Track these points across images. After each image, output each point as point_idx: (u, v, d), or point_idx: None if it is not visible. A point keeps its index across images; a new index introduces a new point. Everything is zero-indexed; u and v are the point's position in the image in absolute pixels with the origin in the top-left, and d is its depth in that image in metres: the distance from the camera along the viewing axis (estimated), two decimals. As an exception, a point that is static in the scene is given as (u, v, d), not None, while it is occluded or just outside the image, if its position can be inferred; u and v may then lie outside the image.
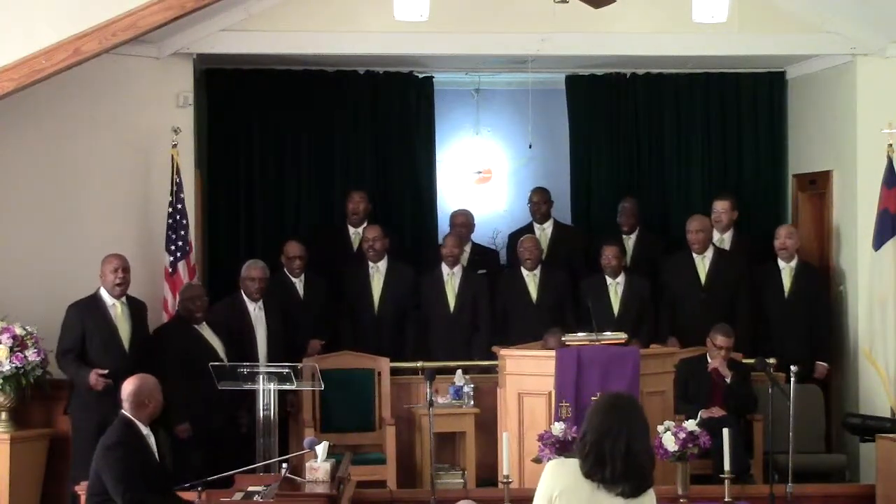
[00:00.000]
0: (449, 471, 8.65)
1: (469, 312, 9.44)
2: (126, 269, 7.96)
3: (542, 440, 7.02)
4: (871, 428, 8.30)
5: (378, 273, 9.43)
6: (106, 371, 7.71)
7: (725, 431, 7.17)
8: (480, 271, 9.74)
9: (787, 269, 9.48)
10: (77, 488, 7.09)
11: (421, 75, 10.49)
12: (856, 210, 9.48)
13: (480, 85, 11.17)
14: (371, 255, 9.40)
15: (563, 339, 7.81)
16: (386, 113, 10.41)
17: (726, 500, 7.10)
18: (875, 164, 9.08)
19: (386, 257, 9.46)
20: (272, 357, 8.50)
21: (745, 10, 9.07)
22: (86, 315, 7.90)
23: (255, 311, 8.77)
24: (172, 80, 9.13)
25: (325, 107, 10.24)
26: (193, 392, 7.91)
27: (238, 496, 6.44)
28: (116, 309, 7.97)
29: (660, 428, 7.17)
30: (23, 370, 7.87)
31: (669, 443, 7.09)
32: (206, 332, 8.33)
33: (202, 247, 9.63)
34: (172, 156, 8.80)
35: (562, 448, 6.86)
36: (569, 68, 10.48)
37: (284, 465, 6.77)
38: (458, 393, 8.85)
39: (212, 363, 7.91)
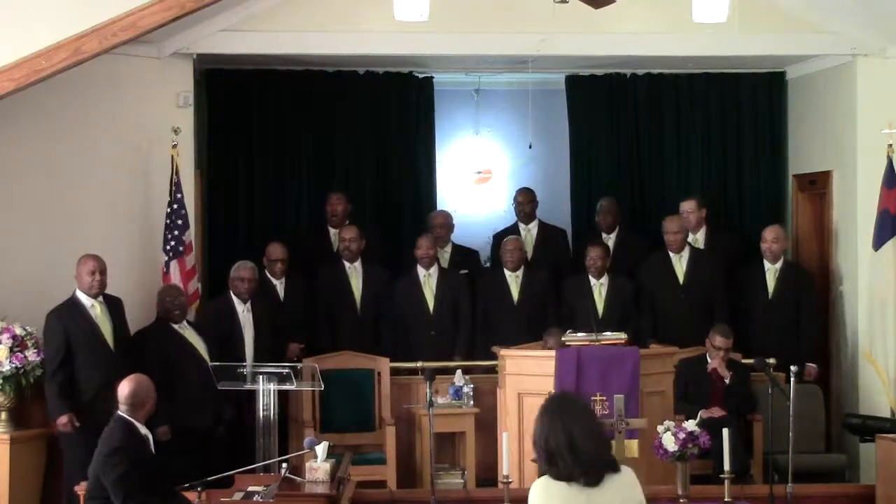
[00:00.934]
0: (449, 471, 8.65)
1: (449, 313, 9.42)
2: (103, 272, 7.90)
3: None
4: (871, 428, 8.30)
5: (356, 273, 9.42)
6: (78, 424, 7.62)
7: (725, 431, 7.16)
8: (462, 271, 9.73)
9: (771, 271, 9.47)
10: (77, 488, 7.08)
11: (421, 75, 10.49)
12: (856, 210, 9.47)
13: (480, 85, 11.16)
14: (346, 255, 9.38)
15: (563, 339, 7.81)
16: (386, 113, 10.42)
17: (726, 500, 7.09)
18: (875, 164, 9.08)
19: (360, 258, 9.43)
20: (259, 358, 8.47)
21: (745, 10, 9.06)
22: (67, 319, 7.84)
23: (244, 312, 8.77)
24: (172, 80, 9.14)
25: (325, 107, 10.24)
26: (175, 393, 7.85)
27: (238, 496, 6.44)
28: (96, 309, 7.92)
29: (660, 428, 7.16)
30: (23, 370, 7.86)
31: (669, 443, 7.08)
32: (187, 332, 8.30)
33: (202, 247, 9.63)
34: (172, 156, 8.80)
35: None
36: (569, 68, 10.49)
37: (284, 465, 6.77)
38: (458, 393, 8.85)
39: (211, 363, 7.90)
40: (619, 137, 10.60)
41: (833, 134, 9.80)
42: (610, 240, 9.94)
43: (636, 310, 9.42)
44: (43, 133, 8.57)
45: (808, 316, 9.48)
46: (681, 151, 10.58)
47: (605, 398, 7.26)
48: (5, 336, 7.85)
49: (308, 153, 10.29)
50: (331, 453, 6.69)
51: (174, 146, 8.81)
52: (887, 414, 8.83)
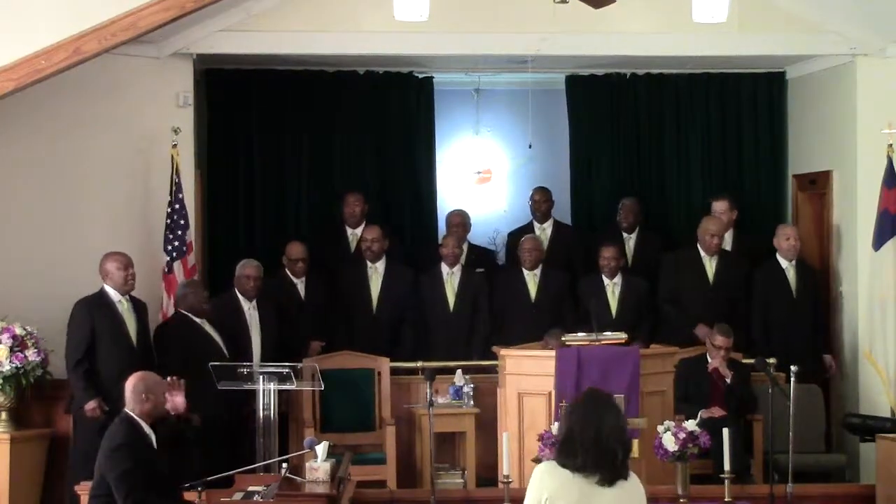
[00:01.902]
0: (449, 471, 8.65)
1: (468, 312, 9.44)
2: (132, 266, 8.00)
3: (542, 440, 7.01)
4: (871, 428, 8.30)
5: (377, 274, 9.43)
6: (107, 408, 7.65)
7: (725, 431, 7.17)
8: (478, 270, 9.74)
9: (790, 269, 9.48)
10: (77, 488, 7.08)
11: (421, 75, 10.49)
12: (856, 210, 9.48)
13: (480, 85, 11.16)
14: (369, 255, 9.40)
15: (563, 339, 7.81)
16: (386, 113, 10.41)
17: (726, 500, 7.10)
18: (875, 164, 9.08)
19: (384, 258, 9.46)
20: (266, 357, 8.50)
21: (745, 10, 9.08)
22: (94, 311, 7.89)
23: (250, 310, 8.78)
24: (172, 80, 9.13)
25: (325, 107, 10.23)
26: (201, 387, 7.83)
27: (238, 496, 6.43)
28: (123, 305, 7.99)
29: (660, 428, 7.16)
30: (23, 370, 7.87)
31: (669, 443, 7.08)
32: (207, 327, 8.35)
33: (202, 247, 9.63)
34: (172, 156, 8.80)
35: (562, 448, 6.85)
36: (569, 68, 10.48)
37: (284, 465, 6.77)
38: (458, 393, 8.85)
39: (211, 363, 7.91)
40: (619, 137, 10.59)
41: (833, 134, 9.80)
42: (630, 240, 9.95)
43: (651, 308, 9.43)
44: (43, 133, 8.57)
45: (824, 313, 9.56)
46: (681, 151, 10.57)
47: (605, 398, 7.25)
48: (5, 336, 7.86)
49: (308, 153, 10.29)
50: (331, 453, 6.69)
51: (174, 146, 8.81)
52: (887, 414, 8.83)
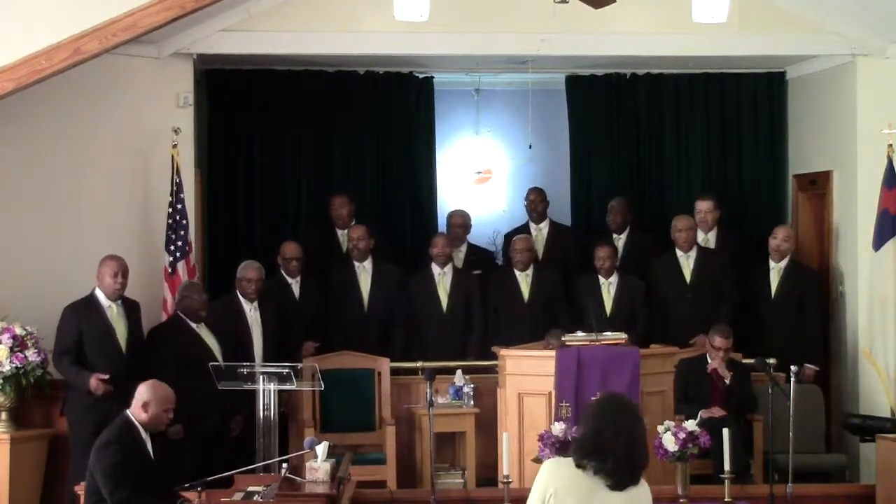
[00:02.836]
0: (449, 471, 8.66)
1: (462, 312, 9.43)
2: (125, 274, 7.94)
3: (542, 440, 7.01)
4: (871, 428, 8.30)
5: (365, 273, 9.43)
6: (107, 376, 7.69)
7: (725, 431, 7.17)
8: (476, 272, 9.74)
9: (775, 270, 9.47)
10: (77, 488, 7.08)
11: (421, 75, 10.49)
12: (856, 210, 9.47)
13: (480, 85, 11.17)
14: (355, 254, 9.39)
15: (563, 339, 7.81)
16: (386, 113, 10.42)
17: (726, 500, 7.10)
18: (875, 164, 9.08)
19: (370, 257, 9.44)
20: (268, 358, 8.49)
21: (745, 10, 9.08)
22: (82, 316, 7.87)
23: (251, 311, 8.78)
24: (172, 80, 9.14)
25: (325, 107, 10.24)
26: (190, 393, 7.84)
27: (238, 496, 6.42)
28: (112, 310, 7.95)
29: (660, 428, 7.16)
30: (23, 370, 7.86)
31: (669, 443, 7.09)
32: (203, 331, 8.31)
33: (202, 247, 9.63)
34: (172, 156, 8.80)
35: (562, 448, 6.85)
36: (569, 68, 10.49)
37: (284, 465, 6.76)
38: (458, 393, 8.85)
39: (211, 363, 7.90)
40: (619, 137, 10.60)
41: (833, 134, 9.81)
42: (620, 240, 9.95)
43: (646, 309, 9.43)
44: (43, 133, 8.57)
45: (812, 316, 9.49)
46: (681, 151, 10.58)
47: (604, 398, 7.25)
48: (5, 336, 7.86)
49: (308, 153, 10.29)
50: (331, 453, 6.68)
51: (174, 146, 8.81)
52: (887, 414, 8.83)
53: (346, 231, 9.71)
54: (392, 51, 9.47)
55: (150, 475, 6.40)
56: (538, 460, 7.00)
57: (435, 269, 9.47)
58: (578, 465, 4.43)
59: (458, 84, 11.03)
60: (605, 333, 7.81)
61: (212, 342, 8.30)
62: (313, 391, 8.61)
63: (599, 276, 9.39)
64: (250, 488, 6.46)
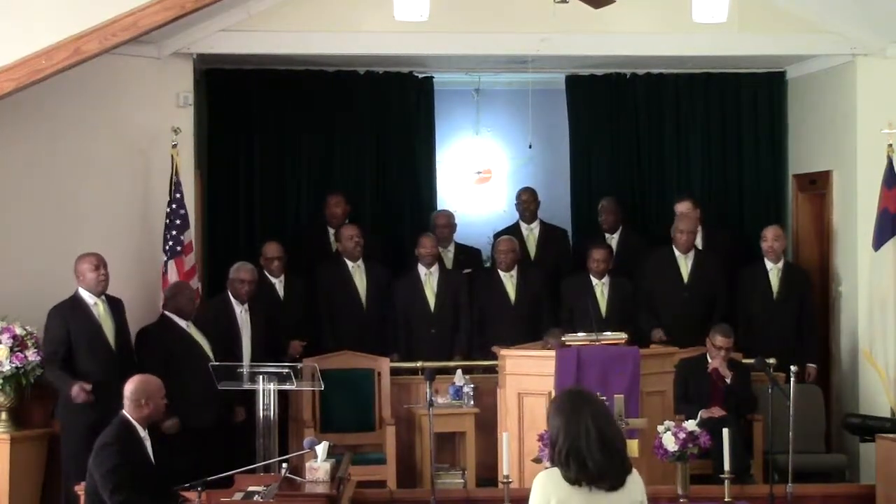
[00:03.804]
0: (449, 471, 8.65)
1: (450, 312, 9.43)
2: (105, 265, 7.90)
3: (542, 440, 7.01)
4: (871, 428, 8.30)
5: (359, 272, 9.43)
6: (89, 386, 7.64)
7: (725, 431, 7.16)
8: (466, 271, 9.74)
9: (774, 271, 9.47)
10: (77, 488, 7.08)
11: (421, 75, 10.49)
12: (856, 210, 9.48)
13: (480, 85, 11.18)
14: (357, 252, 9.38)
15: (563, 338, 7.81)
16: (386, 113, 10.42)
17: (726, 500, 7.10)
18: (875, 164, 9.08)
19: (362, 257, 9.44)
20: (255, 359, 8.45)
21: (745, 10, 9.08)
22: (69, 316, 7.82)
23: (242, 313, 8.77)
24: (172, 80, 9.13)
25: (326, 107, 10.24)
26: (180, 391, 7.76)
27: (238, 496, 6.43)
28: (98, 308, 7.91)
29: (660, 428, 7.16)
30: (23, 370, 7.86)
31: (669, 443, 7.08)
32: (192, 330, 8.29)
33: (202, 247, 9.62)
34: (172, 156, 8.80)
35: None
36: (569, 68, 10.49)
37: (284, 465, 6.76)
38: (458, 393, 8.85)
39: (211, 363, 7.90)
40: (619, 137, 10.60)
41: (833, 134, 9.80)
42: (613, 240, 9.95)
43: (636, 307, 9.42)
44: (43, 133, 8.57)
45: (809, 316, 9.50)
46: (681, 151, 10.58)
47: (605, 398, 7.24)
48: (5, 336, 7.85)
49: (308, 153, 10.29)
50: (331, 453, 6.68)
51: (174, 146, 8.81)
52: (887, 414, 8.83)
53: (336, 230, 9.69)
54: (392, 51, 9.47)
55: (149, 476, 6.41)
56: (538, 460, 7.00)
57: (421, 269, 9.46)
58: (567, 479, 4.38)
59: (458, 84, 11.04)
60: (605, 333, 7.81)
61: (202, 341, 8.27)
62: (313, 391, 8.61)
63: (592, 277, 9.38)
64: (250, 488, 6.46)
